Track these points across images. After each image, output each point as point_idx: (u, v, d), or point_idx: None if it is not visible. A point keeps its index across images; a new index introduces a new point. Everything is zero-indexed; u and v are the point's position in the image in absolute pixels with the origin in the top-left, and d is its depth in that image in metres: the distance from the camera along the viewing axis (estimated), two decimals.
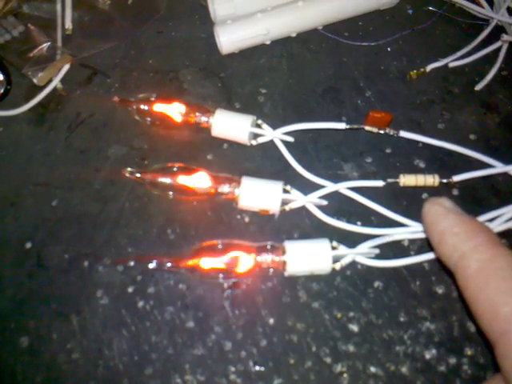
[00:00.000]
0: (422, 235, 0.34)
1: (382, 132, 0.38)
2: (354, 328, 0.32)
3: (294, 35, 0.44)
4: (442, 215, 0.24)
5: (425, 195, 0.36)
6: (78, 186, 0.38)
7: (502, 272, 0.21)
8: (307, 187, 0.36)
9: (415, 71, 0.42)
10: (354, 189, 0.36)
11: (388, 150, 0.38)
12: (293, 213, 0.35)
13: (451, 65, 0.43)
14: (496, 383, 0.21)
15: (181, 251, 0.34)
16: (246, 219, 0.36)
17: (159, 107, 0.38)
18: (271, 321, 0.32)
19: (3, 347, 0.32)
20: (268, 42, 0.44)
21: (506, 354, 0.20)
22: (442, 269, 0.33)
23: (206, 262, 0.31)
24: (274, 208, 0.34)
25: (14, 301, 0.34)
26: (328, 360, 0.31)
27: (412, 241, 0.34)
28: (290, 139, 0.38)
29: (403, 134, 0.38)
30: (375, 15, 0.46)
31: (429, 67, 0.42)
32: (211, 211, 0.36)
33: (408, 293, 0.33)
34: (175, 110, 0.38)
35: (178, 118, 0.38)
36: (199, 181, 0.35)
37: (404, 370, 0.30)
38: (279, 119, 0.40)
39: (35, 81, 0.43)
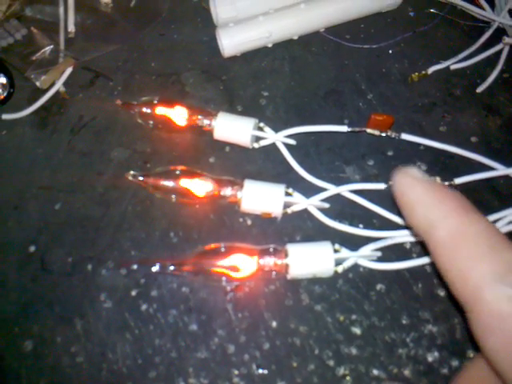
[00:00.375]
0: None
1: (383, 135, 0.38)
2: (357, 331, 0.32)
3: (295, 38, 0.44)
4: (411, 185, 0.23)
5: None
6: (80, 190, 0.38)
7: (472, 238, 0.20)
8: (309, 190, 0.36)
9: (417, 73, 0.42)
10: (355, 191, 0.36)
11: (390, 153, 0.38)
12: (295, 216, 0.35)
13: (453, 67, 0.43)
14: (477, 363, 0.21)
15: (184, 254, 0.34)
16: (249, 222, 0.36)
17: (161, 110, 0.38)
18: (274, 324, 0.32)
19: (7, 351, 0.33)
20: (270, 45, 0.44)
21: (477, 322, 0.19)
22: None
23: (209, 265, 0.32)
24: (277, 211, 0.34)
25: (17, 304, 0.34)
26: (331, 363, 0.31)
27: (414, 243, 0.34)
28: (292, 142, 0.38)
29: (405, 136, 0.38)
30: (377, 18, 0.46)
31: (430, 69, 0.42)
32: (214, 214, 0.36)
33: (410, 295, 0.33)
34: (177, 113, 0.38)
35: (181, 121, 0.38)
36: (202, 184, 0.35)
37: (407, 372, 0.30)
38: (281, 122, 0.40)
39: (38, 84, 0.43)
